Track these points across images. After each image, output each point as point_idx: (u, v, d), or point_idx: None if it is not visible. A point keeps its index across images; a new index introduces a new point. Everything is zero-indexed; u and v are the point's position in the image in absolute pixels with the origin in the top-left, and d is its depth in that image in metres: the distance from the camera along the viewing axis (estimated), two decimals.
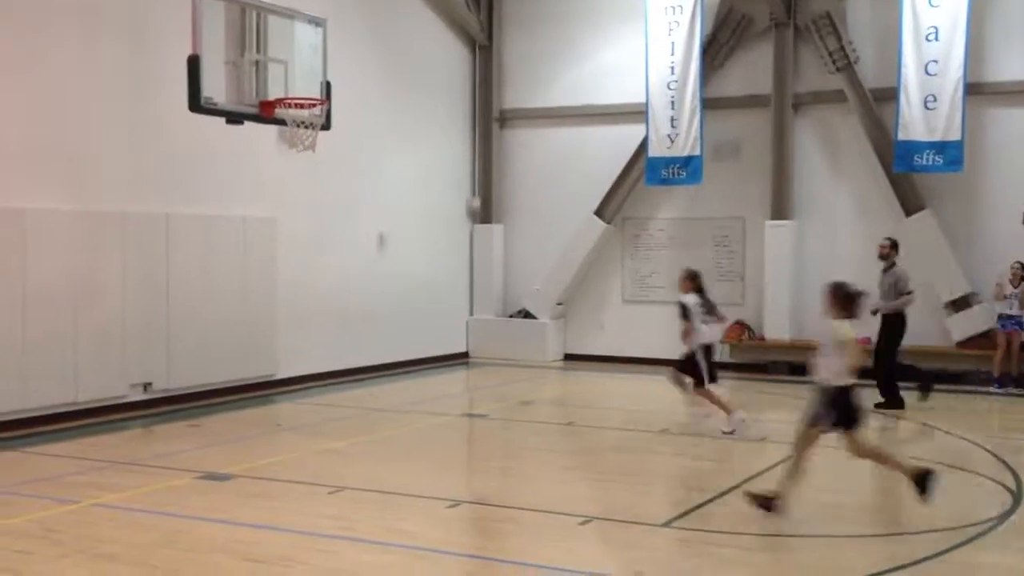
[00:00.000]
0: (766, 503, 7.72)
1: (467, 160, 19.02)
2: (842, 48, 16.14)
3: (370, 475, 9.29)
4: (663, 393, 12.34)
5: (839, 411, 7.73)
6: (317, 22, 11.25)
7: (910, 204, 15.86)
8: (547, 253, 18.05)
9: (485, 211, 18.99)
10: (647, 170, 17.09)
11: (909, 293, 13.02)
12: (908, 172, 15.58)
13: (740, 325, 16.84)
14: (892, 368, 13.02)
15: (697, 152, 16.62)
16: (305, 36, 11.20)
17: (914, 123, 15.21)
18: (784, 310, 16.53)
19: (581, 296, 18.19)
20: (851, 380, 7.78)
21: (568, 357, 18.11)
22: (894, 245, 13.25)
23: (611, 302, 17.99)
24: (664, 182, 17.00)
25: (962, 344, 15.46)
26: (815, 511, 8.14)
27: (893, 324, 12.97)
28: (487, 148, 18.97)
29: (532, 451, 10.88)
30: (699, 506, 8.28)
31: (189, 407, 12.62)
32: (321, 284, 14.95)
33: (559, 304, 18.10)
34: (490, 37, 18.88)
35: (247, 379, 13.68)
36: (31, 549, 6.92)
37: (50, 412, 11.33)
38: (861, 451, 7.99)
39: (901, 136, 15.32)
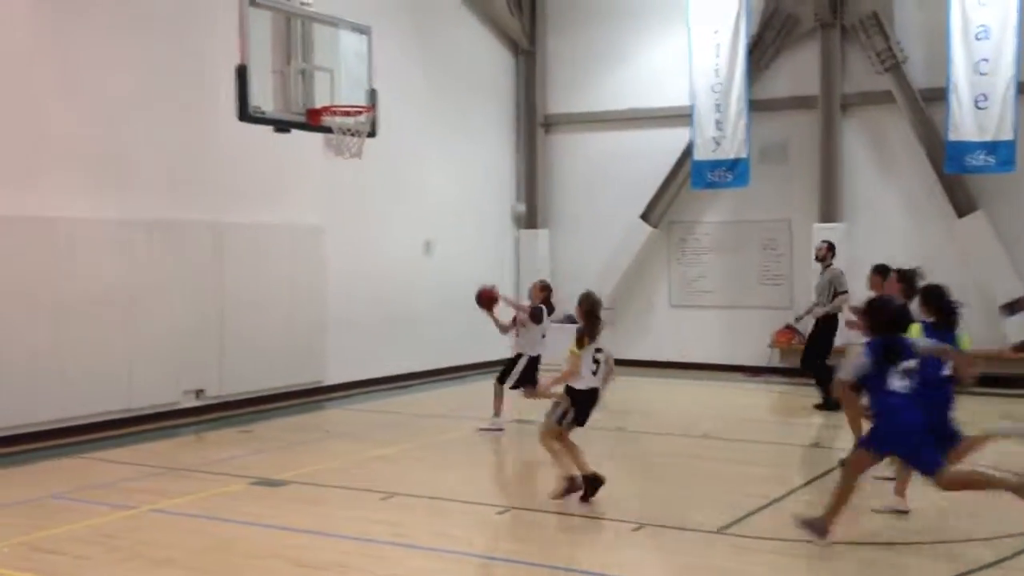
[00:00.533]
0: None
1: (512, 165, 19.04)
2: (890, 48, 15.97)
3: (419, 481, 9.32)
4: (712, 398, 12.28)
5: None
6: (362, 30, 11.31)
7: (962, 205, 15.64)
8: (593, 258, 18.00)
9: (530, 216, 19.00)
10: (693, 173, 17.01)
11: (844, 292, 13.24)
12: (959, 173, 15.37)
13: (789, 330, 16.68)
14: (822, 368, 13.16)
15: (743, 155, 16.52)
16: (350, 44, 11.25)
17: (965, 123, 15.01)
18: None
19: (627, 301, 18.12)
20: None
21: (615, 362, 18.00)
22: (831, 247, 13.66)
23: (658, 307, 17.91)
24: (710, 185, 16.91)
25: (1018, 347, 15.21)
26: (873, 517, 8.04)
27: (829, 326, 13.30)
28: (532, 153, 18.99)
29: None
30: (752, 512, 8.20)
31: (240, 413, 12.73)
32: (368, 290, 15.02)
33: (606, 309, 18.01)
34: (533, 42, 18.90)
35: (296, 385, 13.78)
36: (89, 555, 7.01)
37: (105, 419, 11.49)
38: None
39: (952, 136, 15.12)
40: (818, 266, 13.80)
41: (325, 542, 7.37)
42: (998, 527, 7.60)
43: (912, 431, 6.92)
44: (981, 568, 6.70)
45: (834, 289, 13.28)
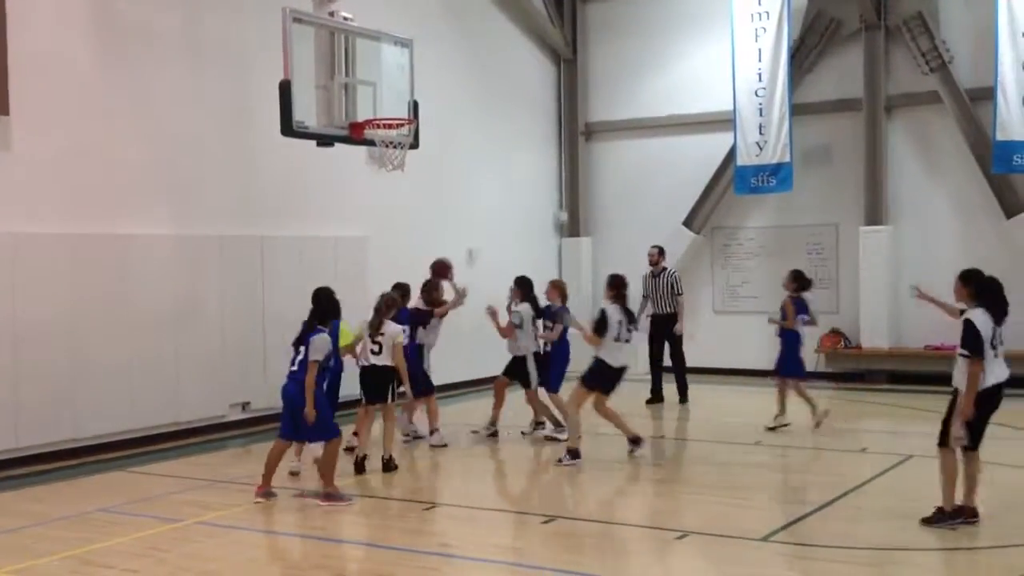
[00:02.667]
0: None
1: (554, 174, 19.04)
2: (935, 48, 15.77)
3: (463, 491, 9.33)
4: (755, 404, 12.18)
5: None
6: (403, 43, 11.37)
7: (1010, 205, 15.39)
8: (636, 265, 17.85)
9: (573, 224, 18.98)
10: (736, 179, 16.89)
11: (681, 294, 14.63)
12: (1007, 173, 15.12)
13: (836, 334, 16.51)
14: (659, 361, 14.70)
15: (787, 159, 16.36)
16: (392, 57, 11.31)
17: (1012, 123, 14.75)
18: (881, 318, 16.16)
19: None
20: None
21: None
22: (662, 252, 14.93)
23: (702, 313, 17.78)
24: (754, 190, 16.77)
25: None
26: (912, 525, 7.92)
27: (671, 325, 14.52)
28: (573, 161, 18.98)
29: (624, 465, 10.80)
30: (798, 519, 8.12)
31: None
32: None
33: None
34: (574, 51, 18.90)
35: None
36: (137, 568, 7.09)
37: (154, 432, 11.64)
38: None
39: (999, 136, 14.87)
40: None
41: (371, 552, 7.40)
42: None
43: None
44: None
45: (675, 292, 14.58)
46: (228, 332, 12.41)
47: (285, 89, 10.02)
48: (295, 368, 8.99)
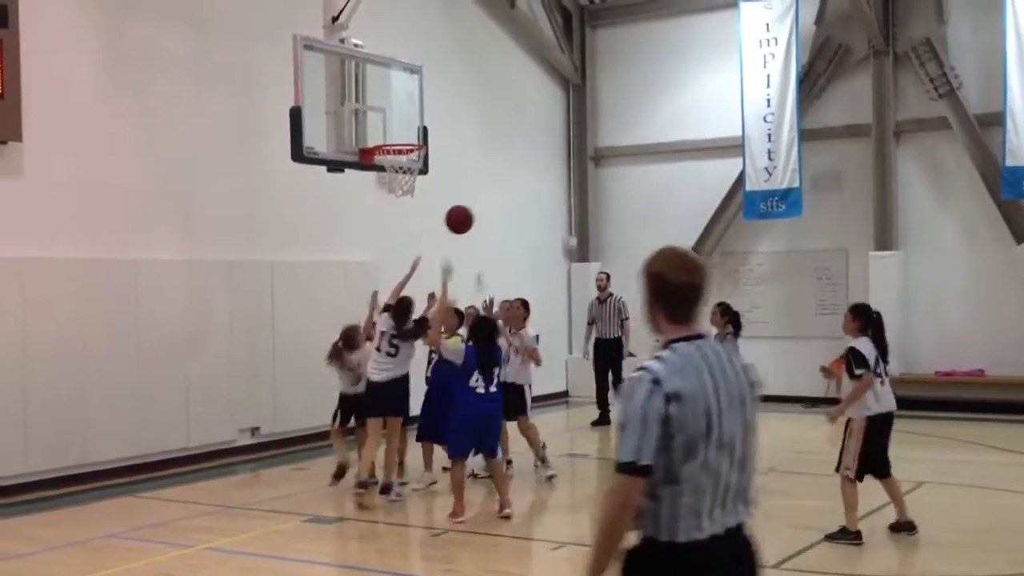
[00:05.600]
0: None
1: (563, 199, 19.08)
2: (944, 74, 15.79)
3: (472, 517, 9.28)
4: (769, 430, 12.10)
5: None
6: (413, 69, 11.44)
7: (1020, 231, 15.36)
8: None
9: (582, 249, 19.00)
10: (745, 204, 16.89)
11: (628, 319, 14.91)
12: (1017, 199, 15.10)
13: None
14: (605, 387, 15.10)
15: (796, 184, 16.36)
16: (402, 83, 11.38)
17: (1022, 148, 14.73)
18: (892, 343, 15.86)
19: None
20: None
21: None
22: (608, 277, 15.52)
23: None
24: (763, 216, 16.77)
25: None
26: (929, 550, 7.87)
27: (620, 348, 14.97)
28: (583, 187, 19.02)
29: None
30: (810, 547, 8.07)
31: (295, 451, 12.81)
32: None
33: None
34: (583, 76, 18.98)
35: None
36: None
37: (163, 457, 11.63)
38: None
39: (1009, 162, 14.86)
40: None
41: None
42: None
43: None
44: None
45: (623, 317, 14.98)
46: (237, 357, 12.42)
47: (296, 115, 10.08)
48: (494, 390, 9.31)
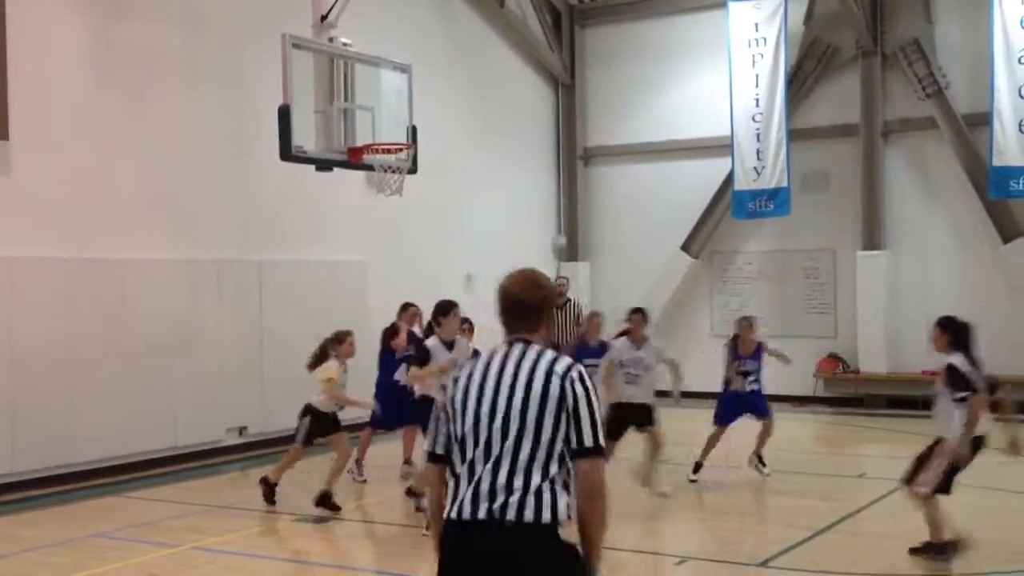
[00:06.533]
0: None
1: (552, 198, 19.10)
2: (931, 74, 15.85)
3: None
4: (755, 429, 12.11)
5: None
6: (402, 68, 11.43)
7: (1007, 230, 15.43)
8: (634, 289, 17.90)
9: (571, 249, 19.02)
10: (734, 203, 16.93)
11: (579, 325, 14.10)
12: (1004, 198, 15.17)
13: (834, 358, 16.51)
14: None
15: (784, 184, 16.41)
16: (391, 82, 11.36)
17: (1009, 148, 14.81)
18: (879, 342, 16.16)
19: (669, 332, 18.00)
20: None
21: (659, 394, 17.93)
22: (568, 281, 14.83)
23: (700, 337, 17.77)
24: (751, 215, 16.81)
25: None
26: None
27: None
28: (572, 186, 19.04)
29: (624, 490, 10.76)
30: (797, 545, 8.09)
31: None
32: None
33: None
34: (573, 76, 18.99)
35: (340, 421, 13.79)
36: None
37: (151, 457, 11.59)
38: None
39: (996, 162, 14.93)
40: None
41: None
42: None
43: None
44: None
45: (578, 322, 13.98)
46: (225, 357, 12.39)
47: (284, 114, 10.06)
48: None
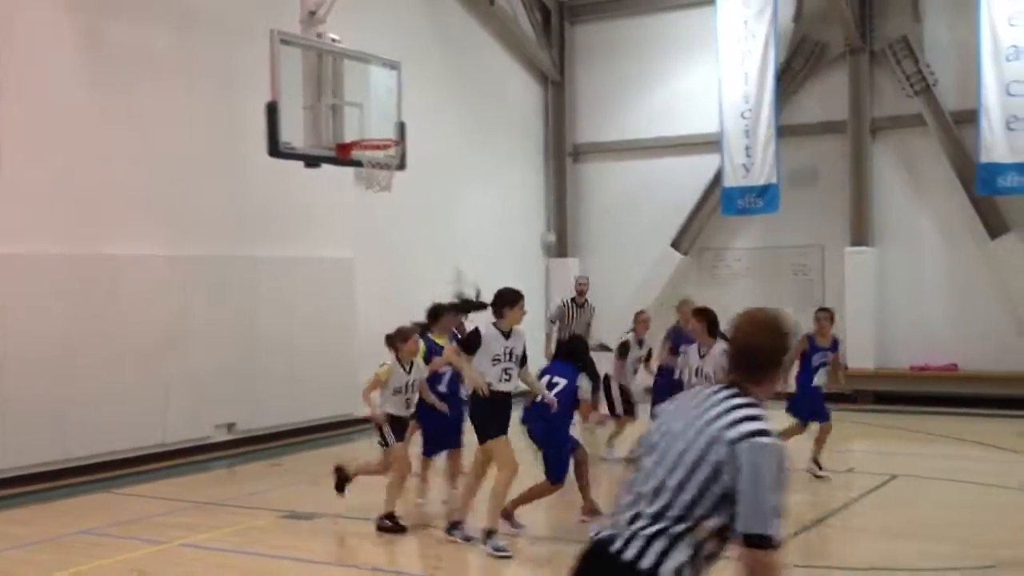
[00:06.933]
0: None
1: (541, 195, 19.11)
2: (920, 71, 15.90)
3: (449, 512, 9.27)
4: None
5: None
6: (392, 65, 11.41)
7: (994, 227, 15.50)
8: (623, 286, 17.96)
9: (560, 245, 19.03)
10: (723, 200, 16.97)
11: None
12: (991, 195, 15.23)
13: None
14: None
15: (773, 180, 16.45)
16: (380, 78, 11.35)
17: (996, 145, 14.87)
18: (868, 338, 16.20)
19: (658, 328, 18.01)
20: None
21: (648, 390, 17.98)
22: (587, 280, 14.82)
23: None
24: (740, 212, 16.85)
25: None
26: (901, 542, 7.95)
27: None
28: (561, 183, 19.05)
29: (612, 485, 10.79)
30: (787, 538, 8.11)
31: (271, 447, 12.78)
32: (398, 321, 15.00)
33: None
34: (562, 73, 19.00)
35: (327, 418, 13.82)
36: None
37: (139, 454, 11.58)
38: None
39: (983, 159, 14.99)
40: None
41: (357, 575, 7.37)
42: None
43: None
44: None
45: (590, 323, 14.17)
46: (215, 353, 12.36)
47: (272, 110, 10.05)
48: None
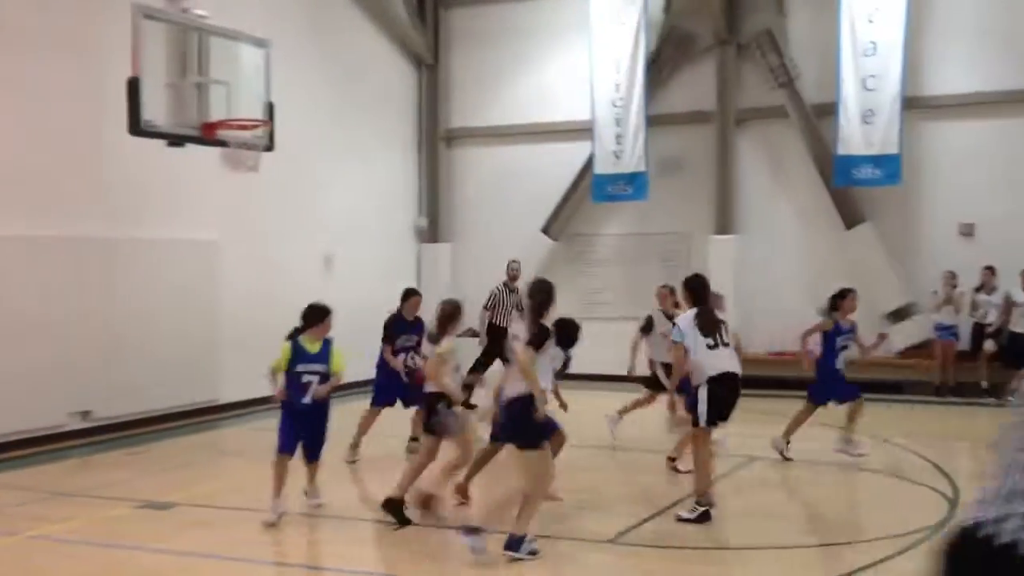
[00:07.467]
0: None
1: (414, 179, 19.02)
2: (783, 65, 16.37)
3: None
4: (609, 408, 12.37)
5: None
6: (260, 43, 11.19)
7: (850, 217, 16.10)
8: (494, 271, 17.97)
9: (432, 230, 18.99)
10: (593, 187, 17.19)
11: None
12: (848, 186, 15.81)
13: None
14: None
15: (642, 168, 16.75)
16: (249, 57, 11.13)
17: (853, 137, 15.44)
18: (729, 323, 16.54)
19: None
20: None
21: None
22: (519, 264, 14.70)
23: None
24: (610, 198, 17.11)
25: (902, 354, 15.68)
26: (756, 524, 8.22)
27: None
28: (434, 167, 18.99)
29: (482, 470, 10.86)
30: (646, 520, 8.30)
31: (130, 435, 12.41)
32: (265, 307, 14.73)
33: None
34: (436, 56, 18.92)
35: (189, 405, 13.50)
36: None
37: None
38: None
39: (841, 151, 15.55)
40: None
41: (216, 564, 7.24)
42: (875, 530, 7.82)
43: None
44: (854, 572, 6.88)
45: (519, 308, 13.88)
46: (69, 337, 11.91)
47: (133, 87, 9.77)
48: None
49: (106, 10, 11.88)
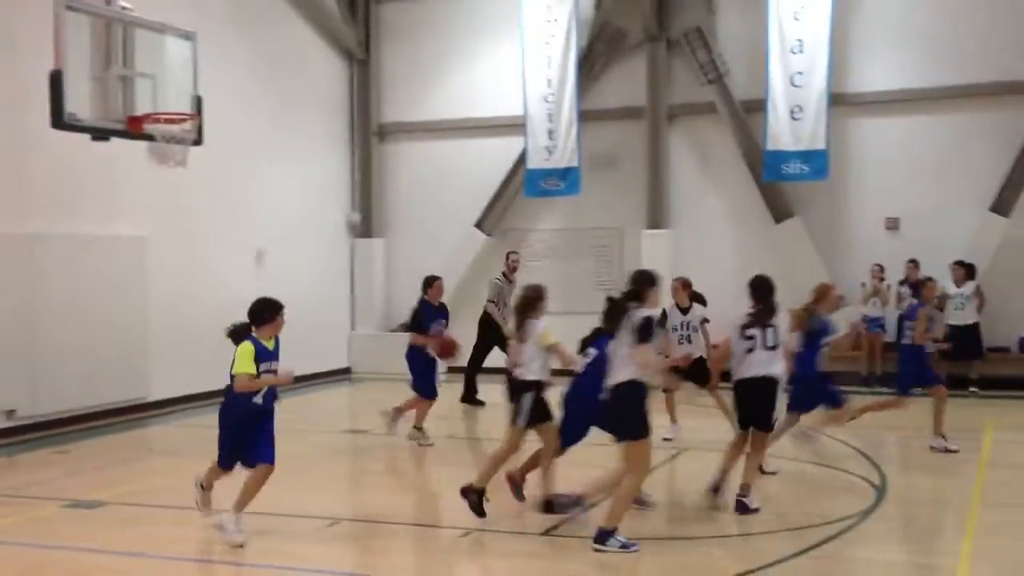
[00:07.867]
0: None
1: (346, 174, 18.90)
2: (713, 61, 16.56)
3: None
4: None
5: None
6: (187, 36, 11.02)
7: (779, 212, 16.36)
8: (428, 266, 17.86)
9: (365, 225, 18.89)
10: (526, 182, 17.24)
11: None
12: (777, 181, 16.06)
13: None
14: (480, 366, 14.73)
15: (575, 163, 16.84)
16: (176, 50, 10.94)
17: (782, 133, 15.68)
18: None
19: (463, 308, 18.15)
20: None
21: (451, 370, 18.07)
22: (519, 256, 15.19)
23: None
24: (543, 193, 17.17)
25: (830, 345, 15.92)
26: (686, 512, 8.31)
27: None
28: (366, 162, 18.89)
29: (415, 465, 10.84)
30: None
31: (56, 434, 12.16)
32: (196, 303, 14.57)
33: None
34: (367, 50, 18.80)
35: (118, 403, 13.27)
36: None
37: None
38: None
39: (770, 146, 15.79)
40: None
41: (144, 563, 7.14)
42: (803, 518, 7.96)
43: None
44: (784, 559, 7.00)
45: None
46: None
47: (56, 80, 9.57)
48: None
49: (28, 1, 11.62)
